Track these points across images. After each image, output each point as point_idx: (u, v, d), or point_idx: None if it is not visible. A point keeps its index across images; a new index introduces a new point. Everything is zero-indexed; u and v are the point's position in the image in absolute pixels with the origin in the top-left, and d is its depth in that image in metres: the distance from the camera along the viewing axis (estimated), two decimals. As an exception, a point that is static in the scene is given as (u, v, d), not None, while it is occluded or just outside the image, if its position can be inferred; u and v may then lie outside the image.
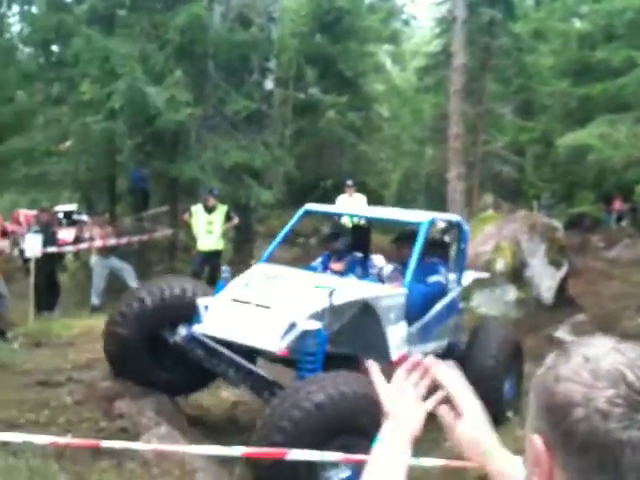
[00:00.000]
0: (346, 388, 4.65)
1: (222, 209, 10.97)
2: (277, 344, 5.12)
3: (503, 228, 11.23)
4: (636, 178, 16.12)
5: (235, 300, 5.56)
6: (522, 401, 6.87)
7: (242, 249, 13.92)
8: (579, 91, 19.39)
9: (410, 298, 6.01)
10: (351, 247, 7.04)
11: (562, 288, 10.77)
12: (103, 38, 11.64)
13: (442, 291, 6.80)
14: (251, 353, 5.58)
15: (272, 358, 5.63)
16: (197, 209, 10.89)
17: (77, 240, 13.05)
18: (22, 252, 11.81)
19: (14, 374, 6.64)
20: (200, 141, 12.37)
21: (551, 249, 10.84)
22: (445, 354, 6.72)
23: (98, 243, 10.96)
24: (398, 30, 27.49)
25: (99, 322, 6.79)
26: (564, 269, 10.86)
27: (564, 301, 10.66)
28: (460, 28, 16.52)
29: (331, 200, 12.89)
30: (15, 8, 14.46)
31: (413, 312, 6.14)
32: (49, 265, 10.71)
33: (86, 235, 12.85)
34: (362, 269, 6.92)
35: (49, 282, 10.79)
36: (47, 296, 10.57)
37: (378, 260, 7.24)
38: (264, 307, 5.41)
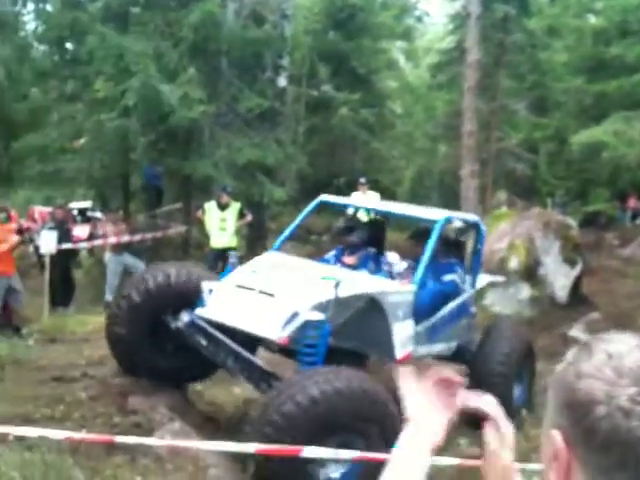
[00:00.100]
0: (343, 384, 4.50)
1: (235, 206, 10.98)
2: (278, 332, 5.01)
3: (517, 226, 11.13)
4: (651, 176, 16.02)
5: (240, 286, 5.47)
6: (535, 400, 6.84)
7: (255, 246, 13.92)
8: (594, 88, 19.24)
9: (419, 296, 5.91)
10: (366, 242, 6.86)
11: (576, 286, 10.68)
12: (117, 36, 11.71)
13: (455, 291, 6.64)
14: (252, 342, 5.47)
15: (273, 348, 5.55)
16: (210, 206, 10.90)
17: (91, 237, 13.12)
18: (37, 248, 11.88)
19: (29, 370, 6.70)
20: (213, 138, 12.42)
21: (565, 247, 10.75)
22: (454, 357, 6.62)
23: (112, 240, 11.02)
24: (411, 27, 27.34)
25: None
26: (578, 267, 10.76)
27: (578, 299, 10.57)
28: (474, 24, 16.42)
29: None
30: (30, 6, 14.62)
31: (422, 311, 6.01)
32: (64, 261, 10.78)
33: (100, 232, 12.93)
34: (375, 264, 6.77)
35: (64, 278, 10.86)
36: (62, 292, 10.66)
37: (392, 257, 7.12)
38: (268, 295, 5.32)
